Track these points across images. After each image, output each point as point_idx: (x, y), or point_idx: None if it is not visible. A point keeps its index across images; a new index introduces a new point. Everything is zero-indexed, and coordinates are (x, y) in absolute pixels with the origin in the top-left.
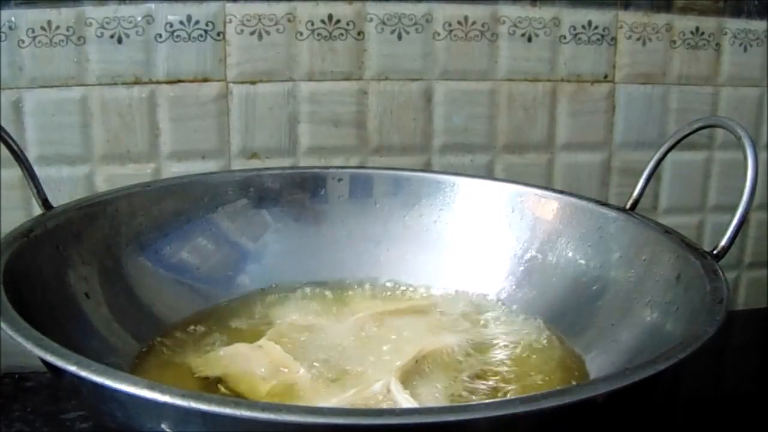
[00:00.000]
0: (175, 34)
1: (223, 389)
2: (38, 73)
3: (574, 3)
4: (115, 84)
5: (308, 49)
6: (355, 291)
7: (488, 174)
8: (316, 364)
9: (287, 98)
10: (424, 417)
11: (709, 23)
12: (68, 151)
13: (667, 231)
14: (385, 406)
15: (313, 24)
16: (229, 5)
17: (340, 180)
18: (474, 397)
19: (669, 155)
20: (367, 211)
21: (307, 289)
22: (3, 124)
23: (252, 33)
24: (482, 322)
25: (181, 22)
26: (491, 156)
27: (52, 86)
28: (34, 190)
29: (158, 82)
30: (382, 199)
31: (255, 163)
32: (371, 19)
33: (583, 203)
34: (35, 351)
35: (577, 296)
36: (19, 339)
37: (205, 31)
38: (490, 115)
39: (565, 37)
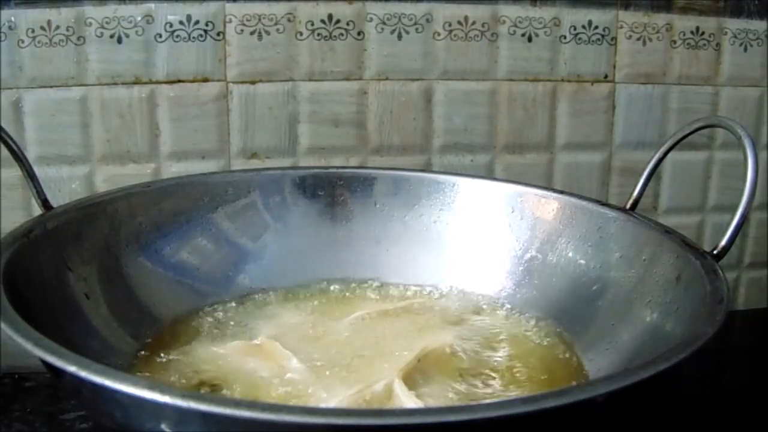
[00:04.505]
0: (175, 34)
1: (222, 388)
2: (38, 73)
3: (574, 3)
4: (115, 84)
5: (308, 49)
6: (355, 290)
7: (488, 174)
8: (316, 363)
9: (287, 98)
10: (424, 417)
11: (709, 23)
12: (68, 151)
13: (667, 231)
14: (387, 405)
15: (313, 24)
16: (229, 5)
17: (339, 180)
18: (474, 397)
19: (669, 155)
20: (367, 211)
21: (307, 289)
22: (3, 124)
23: (252, 33)
24: (482, 321)
25: (181, 22)
26: (491, 156)
27: (51, 86)
28: (34, 191)
29: (158, 82)
30: (382, 199)
31: (255, 163)
32: (371, 19)
33: (583, 203)
34: (35, 351)
35: (577, 296)
36: (19, 339)
37: (205, 31)
38: (490, 115)
39: (565, 37)
